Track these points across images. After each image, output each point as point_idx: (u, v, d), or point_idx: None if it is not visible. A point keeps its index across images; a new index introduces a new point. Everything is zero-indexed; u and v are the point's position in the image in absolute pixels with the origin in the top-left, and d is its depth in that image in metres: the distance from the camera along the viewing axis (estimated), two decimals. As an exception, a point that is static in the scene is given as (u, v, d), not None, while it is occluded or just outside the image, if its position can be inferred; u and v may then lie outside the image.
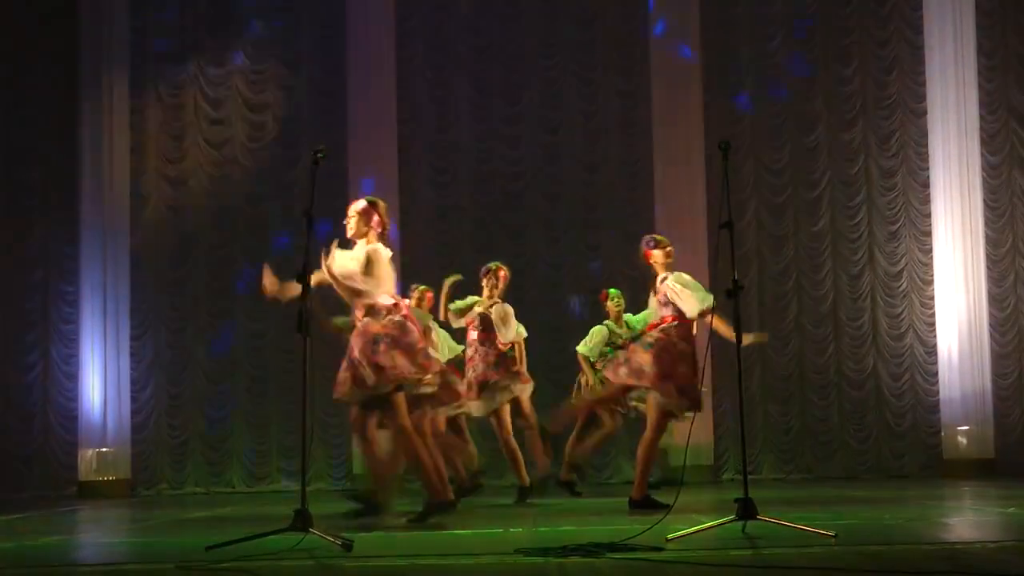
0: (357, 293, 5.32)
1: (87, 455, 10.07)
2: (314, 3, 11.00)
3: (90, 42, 10.49)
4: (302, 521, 4.33)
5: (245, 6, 10.99)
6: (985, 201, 10.52)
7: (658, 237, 6.39)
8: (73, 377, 10.28)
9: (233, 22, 10.97)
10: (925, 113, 10.72)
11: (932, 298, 10.57)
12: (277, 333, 10.47)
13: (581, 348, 8.25)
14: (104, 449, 10.04)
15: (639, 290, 10.79)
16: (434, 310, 7.44)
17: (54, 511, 8.06)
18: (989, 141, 10.59)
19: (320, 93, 10.92)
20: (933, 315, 10.56)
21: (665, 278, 6.21)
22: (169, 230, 10.82)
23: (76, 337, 10.26)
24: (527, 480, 7.41)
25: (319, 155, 4.77)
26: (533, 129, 10.96)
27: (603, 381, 7.33)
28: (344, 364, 5.34)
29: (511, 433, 7.45)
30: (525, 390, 7.51)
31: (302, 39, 10.97)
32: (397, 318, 5.35)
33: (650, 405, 6.24)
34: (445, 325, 7.54)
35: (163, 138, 10.85)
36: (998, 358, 10.41)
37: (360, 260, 5.31)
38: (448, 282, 7.42)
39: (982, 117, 10.55)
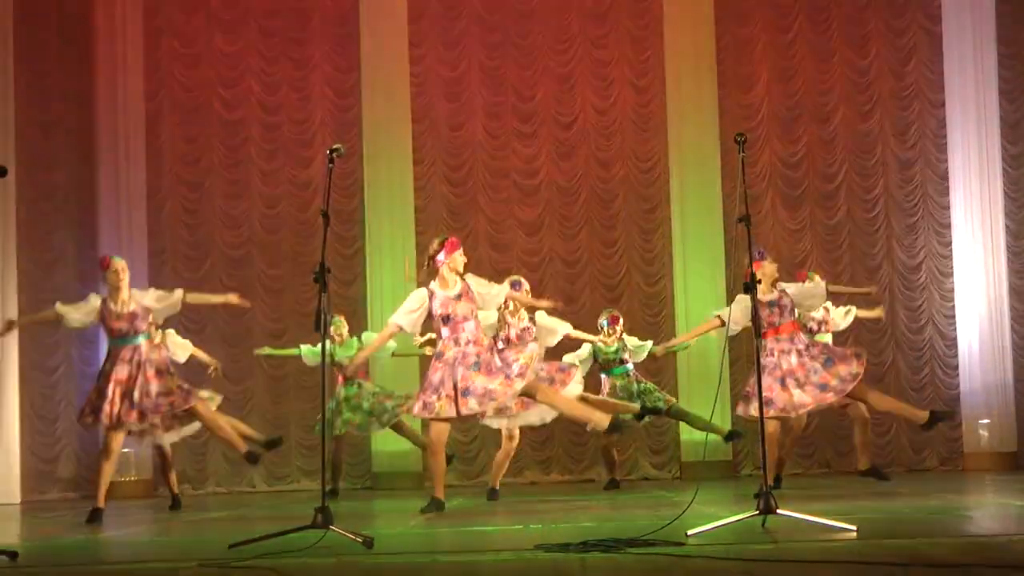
0: None
1: (109, 456, 10.12)
2: (327, 4, 11.02)
3: (106, 46, 10.55)
4: (323, 519, 4.34)
5: (258, 8, 11.03)
6: (1005, 192, 10.43)
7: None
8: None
9: (247, 24, 11.01)
10: (943, 103, 10.63)
11: (952, 291, 10.49)
12: (295, 333, 10.50)
13: None
14: (126, 450, 10.08)
15: (649, 286, 10.81)
16: None
17: (77, 511, 8.11)
18: (1009, 131, 10.50)
19: (334, 93, 10.94)
20: (953, 308, 10.48)
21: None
22: (186, 232, 10.87)
23: (97, 339, 10.31)
24: None
25: (335, 154, 4.77)
26: (547, 125, 10.94)
27: None
28: None
29: None
30: None
31: (315, 40, 11.00)
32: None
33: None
34: None
35: (179, 141, 10.90)
36: (1019, 350, 10.32)
37: None
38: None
39: (1001, 107, 10.45)
